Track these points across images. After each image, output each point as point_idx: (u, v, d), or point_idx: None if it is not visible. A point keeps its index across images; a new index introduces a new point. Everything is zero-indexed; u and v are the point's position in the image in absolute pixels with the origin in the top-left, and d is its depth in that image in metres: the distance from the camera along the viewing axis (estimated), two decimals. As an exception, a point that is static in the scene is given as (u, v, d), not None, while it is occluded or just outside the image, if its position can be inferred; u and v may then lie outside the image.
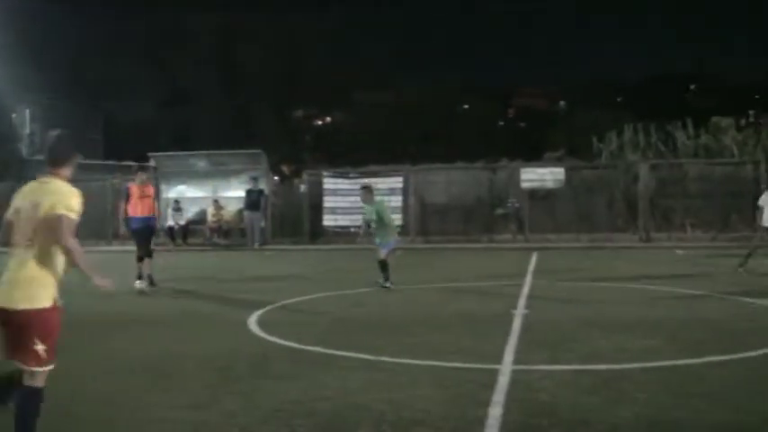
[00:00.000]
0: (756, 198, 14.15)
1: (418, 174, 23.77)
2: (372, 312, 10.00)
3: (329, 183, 24.27)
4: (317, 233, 23.93)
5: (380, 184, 23.88)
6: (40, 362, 4.22)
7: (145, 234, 12.60)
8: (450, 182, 23.72)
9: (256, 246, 22.54)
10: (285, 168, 40.05)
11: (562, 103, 70.24)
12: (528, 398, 5.63)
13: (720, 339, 7.67)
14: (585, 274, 13.78)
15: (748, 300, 10.26)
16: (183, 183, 25.43)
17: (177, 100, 48.33)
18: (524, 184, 22.01)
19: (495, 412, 5.19)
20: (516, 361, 6.78)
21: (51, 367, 4.28)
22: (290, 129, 54.26)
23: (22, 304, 4.17)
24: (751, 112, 31.16)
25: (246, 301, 10.83)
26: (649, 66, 55.04)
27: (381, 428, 5.04)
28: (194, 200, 25.21)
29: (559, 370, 6.48)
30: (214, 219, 24.36)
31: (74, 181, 4.54)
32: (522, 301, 10.43)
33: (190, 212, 24.88)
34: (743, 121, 29.58)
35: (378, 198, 13.50)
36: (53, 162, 4.48)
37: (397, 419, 5.18)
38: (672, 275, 13.27)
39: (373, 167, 24.75)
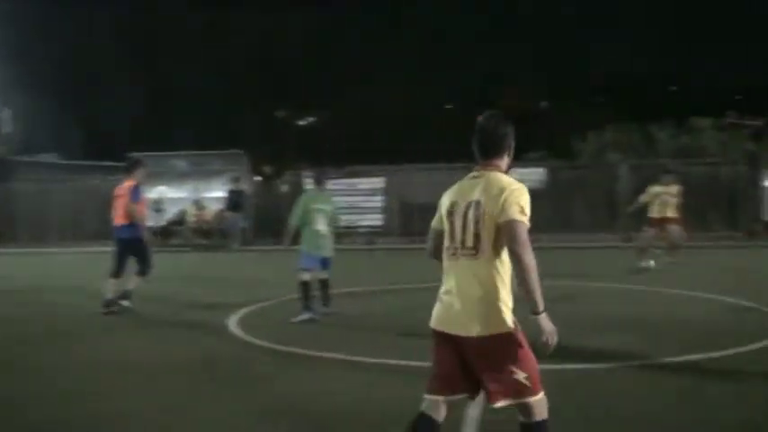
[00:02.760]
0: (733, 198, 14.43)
1: (400, 174, 23.80)
2: (351, 313, 9.99)
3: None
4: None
5: (362, 184, 23.95)
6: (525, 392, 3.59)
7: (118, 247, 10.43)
8: (432, 182, 23.72)
9: (237, 246, 22.47)
10: (266, 169, 39.96)
11: (544, 102, 70.55)
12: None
13: (696, 338, 7.74)
14: (566, 274, 13.84)
15: (728, 299, 10.37)
16: (163, 183, 25.33)
17: (157, 99, 48.13)
18: (505, 185, 22.14)
19: (474, 413, 5.21)
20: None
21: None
22: (273, 128, 54.13)
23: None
24: (730, 112, 31.40)
25: (226, 302, 10.79)
26: (631, 66, 55.21)
27: (363, 428, 5.06)
28: (175, 200, 25.11)
29: (546, 369, 6.50)
30: (194, 219, 24.28)
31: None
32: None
33: (170, 213, 24.79)
34: (722, 122, 29.88)
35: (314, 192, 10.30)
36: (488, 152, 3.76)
37: (378, 419, 5.20)
38: (650, 275, 13.36)
39: (356, 168, 24.75)
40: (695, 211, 21.01)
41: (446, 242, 3.76)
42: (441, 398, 3.69)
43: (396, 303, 10.90)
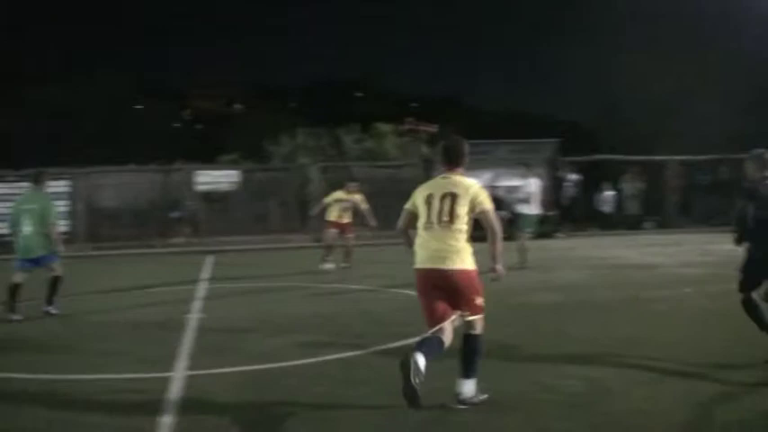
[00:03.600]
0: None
1: (87, 177, 22.47)
2: (43, 328, 9.21)
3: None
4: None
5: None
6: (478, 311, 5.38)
7: None
8: (121, 185, 22.77)
9: None
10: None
11: (238, 105, 70.75)
12: (202, 402, 5.65)
13: (382, 330, 8.28)
14: (260, 275, 14.06)
15: (407, 292, 11.20)
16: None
17: None
18: (199, 187, 21.86)
19: (168, 421, 5.14)
20: (190, 366, 6.76)
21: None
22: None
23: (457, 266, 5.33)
24: (409, 119, 33.86)
25: None
26: (321, 71, 57.57)
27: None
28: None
29: (236, 371, 6.57)
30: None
31: None
32: (196, 305, 10.38)
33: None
34: (401, 128, 32.12)
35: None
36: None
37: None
38: (342, 273, 13.96)
39: (41, 170, 22.82)
40: (380, 210, 22.43)
41: (422, 219, 5.50)
42: (439, 327, 5.25)
43: (87, 311, 10.30)
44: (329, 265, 13.84)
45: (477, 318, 5.35)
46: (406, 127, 31.74)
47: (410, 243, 5.61)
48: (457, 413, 5.22)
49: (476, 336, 5.35)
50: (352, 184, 14.24)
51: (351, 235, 14.31)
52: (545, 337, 7.74)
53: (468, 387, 5.30)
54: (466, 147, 5.71)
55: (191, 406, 5.53)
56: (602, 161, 24.07)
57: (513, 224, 13.45)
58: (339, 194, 14.22)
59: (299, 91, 63.82)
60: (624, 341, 7.46)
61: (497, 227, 5.42)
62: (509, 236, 14.89)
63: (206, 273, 14.39)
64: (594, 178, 23.48)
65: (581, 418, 5.10)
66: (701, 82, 31.71)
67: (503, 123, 41.19)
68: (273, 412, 5.40)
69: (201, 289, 12.12)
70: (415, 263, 5.49)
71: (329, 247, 14.08)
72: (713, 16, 33.29)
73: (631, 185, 23.69)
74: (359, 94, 61.03)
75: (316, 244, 17.51)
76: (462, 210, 5.38)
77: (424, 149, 25.49)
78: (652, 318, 8.89)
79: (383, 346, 7.34)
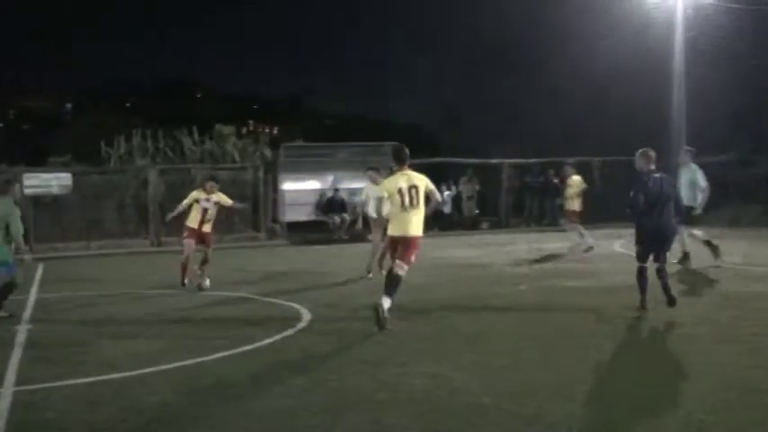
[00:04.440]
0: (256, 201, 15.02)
1: None
2: None
3: None
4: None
5: None
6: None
7: None
8: None
9: None
10: None
11: (68, 105, 67.36)
12: (33, 419, 5.34)
13: (227, 336, 8.14)
14: (96, 282, 13.45)
15: (262, 298, 11.08)
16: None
17: None
18: (27, 191, 20.58)
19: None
20: (19, 381, 6.37)
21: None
22: None
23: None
24: (250, 121, 33.54)
25: None
26: (157, 71, 55.65)
27: None
28: None
29: (69, 384, 6.25)
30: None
31: None
32: (26, 315, 9.80)
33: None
34: (243, 129, 31.74)
35: None
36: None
37: None
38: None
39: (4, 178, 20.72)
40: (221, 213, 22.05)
41: (398, 203, 8.44)
42: (395, 262, 8.41)
43: None
44: (206, 282, 12.25)
45: (406, 265, 8.32)
46: (249, 129, 31.39)
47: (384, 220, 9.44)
48: (299, 415, 5.23)
49: (400, 275, 8.29)
50: (210, 183, 12.99)
51: (210, 247, 12.57)
52: (390, 335, 7.87)
53: (387, 302, 8.09)
54: (408, 151, 8.72)
55: (19, 423, 5.22)
56: (441, 163, 24.78)
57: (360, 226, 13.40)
58: (197, 194, 12.59)
59: (135, 91, 61.57)
60: (465, 337, 7.73)
61: (440, 197, 9.36)
62: (353, 237, 14.75)
63: (37, 281, 13.56)
64: (434, 180, 24.20)
65: (420, 414, 5.23)
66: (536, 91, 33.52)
67: (344, 126, 41.57)
68: (113, 426, 5.18)
69: (32, 298, 11.41)
70: (391, 231, 8.65)
71: (186, 262, 12.46)
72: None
73: (469, 187, 24.58)
74: (198, 95, 59.69)
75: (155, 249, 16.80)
76: (422, 196, 8.57)
77: (266, 151, 25.27)
78: (490, 313, 9.26)
79: (227, 353, 7.22)
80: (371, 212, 12.55)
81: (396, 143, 8.33)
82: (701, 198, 12.42)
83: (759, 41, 25.16)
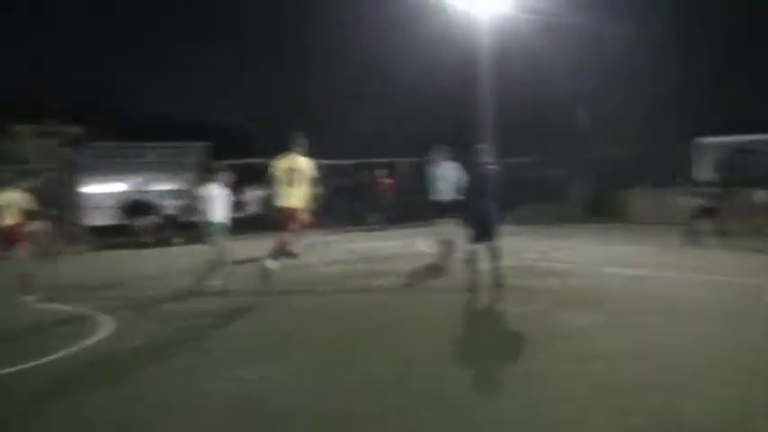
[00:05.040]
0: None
1: None
2: None
3: None
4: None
5: None
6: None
7: None
8: None
9: None
10: None
11: None
12: None
13: (13, 349, 7.65)
14: None
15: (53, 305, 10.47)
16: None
17: None
18: None
19: None
20: None
21: None
22: None
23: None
24: (49, 120, 31.59)
25: None
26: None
27: None
28: None
29: None
30: None
31: None
32: None
33: None
34: (41, 129, 29.94)
35: None
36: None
37: None
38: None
39: None
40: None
41: (284, 180, 10.73)
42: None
43: None
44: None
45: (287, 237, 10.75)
46: (46, 129, 29.63)
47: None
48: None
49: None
50: (23, 182, 11.80)
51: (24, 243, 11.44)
52: (203, 340, 7.73)
53: (272, 263, 10.60)
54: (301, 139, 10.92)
55: None
56: (251, 164, 24.51)
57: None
58: (6, 196, 11.38)
59: None
60: (280, 338, 7.75)
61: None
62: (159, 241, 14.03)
63: None
64: (246, 181, 23.88)
65: (242, 418, 5.20)
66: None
67: (151, 126, 40.11)
68: None
69: None
70: (282, 203, 10.73)
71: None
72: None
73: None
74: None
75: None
76: (304, 177, 10.72)
77: (68, 152, 23.93)
78: (299, 315, 9.30)
79: (21, 367, 6.79)
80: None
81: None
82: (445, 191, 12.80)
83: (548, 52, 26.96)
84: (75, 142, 25.92)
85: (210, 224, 11.43)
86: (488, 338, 7.63)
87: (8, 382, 6.40)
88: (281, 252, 10.90)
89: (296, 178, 10.74)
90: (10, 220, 11.37)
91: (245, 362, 6.75)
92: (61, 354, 7.26)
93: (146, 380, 6.29)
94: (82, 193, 21.29)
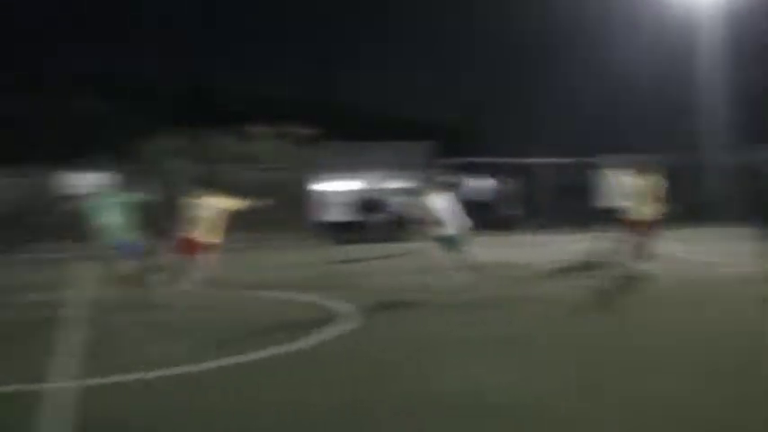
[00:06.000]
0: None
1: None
2: None
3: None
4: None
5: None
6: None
7: None
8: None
9: None
10: None
11: (101, 103, 67.44)
12: (97, 414, 5.33)
13: (266, 337, 8.04)
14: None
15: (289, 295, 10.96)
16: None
17: None
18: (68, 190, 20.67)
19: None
20: (79, 375, 6.42)
21: None
22: None
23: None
24: (284, 121, 33.48)
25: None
26: (180, 71, 55.30)
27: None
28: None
29: (130, 380, 6.27)
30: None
31: None
32: (75, 313, 9.81)
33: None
34: (277, 130, 31.72)
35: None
36: None
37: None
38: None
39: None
40: (255, 214, 21.93)
41: (637, 194, 11.69)
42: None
43: None
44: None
45: None
46: (283, 129, 31.41)
47: None
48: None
49: None
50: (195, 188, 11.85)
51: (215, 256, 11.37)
52: (445, 335, 7.79)
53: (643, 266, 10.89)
54: None
55: (83, 418, 5.21)
56: (474, 163, 24.53)
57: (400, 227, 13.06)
58: (205, 200, 11.37)
59: (165, 90, 61.52)
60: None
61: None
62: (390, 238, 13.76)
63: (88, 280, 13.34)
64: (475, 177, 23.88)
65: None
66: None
67: (372, 125, 41.34)
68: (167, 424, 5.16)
69: (85, 295, 11.36)
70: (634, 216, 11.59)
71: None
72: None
73: (508, 186, 24.19)
74: (228, 95, 59.66)
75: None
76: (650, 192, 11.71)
77: (303, 152, 25.21)
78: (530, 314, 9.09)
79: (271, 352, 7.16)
80: None
81: None
82: None
83: None
84: (309, 142, 27.28)
85: (444, 237, 10.99)
86: None
87: (272, 364, 6.76)
88: (640, 255, 11.66)
89: (645, 193, 11.68)
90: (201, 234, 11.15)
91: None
92: (309, 342, 7.57)
93: (403, 371, 6.37)
94: (318, 191, 22.39)
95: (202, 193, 11.40)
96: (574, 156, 24.63)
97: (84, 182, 21.07)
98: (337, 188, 22.74)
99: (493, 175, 24.83)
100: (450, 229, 11.02)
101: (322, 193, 22.44)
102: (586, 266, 13.65)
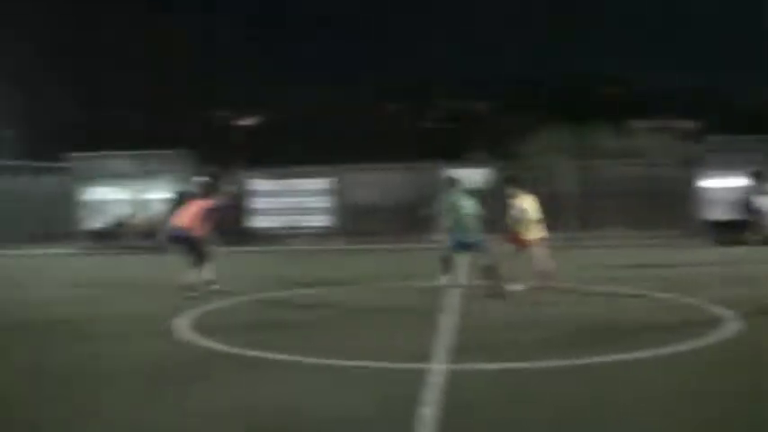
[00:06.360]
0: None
1: (345, 174, 23.69)
2: (300, 314, 9.89)
3: (257, 184, 24.14)
4: (246, 234, 23.56)
5: (308, 185, 23.87)
6: None
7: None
8: (377, 183, 23.65)
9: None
10: (213, 169, 39.23)
11: (483, 103, 70.67)
12: (458, 397, 5.57)
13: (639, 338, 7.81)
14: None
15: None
16: (103, 185, 24.63)
17: (95, 99, 46.74)
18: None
19: (427, 412, 5.13)
20: (445, 360, 6.74)
21: None
22: (214, 128, 53.20)
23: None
24: (664, 115, 32.10)
25: (172, 304, 10.45)
26: (561, 66, 55.40)
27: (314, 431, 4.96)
28: (115, 202, 24.51)
29: (494, 369, 6.48)
30: (134, 222, 23.92)
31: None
32: (451, 301, 10.40)
33: (110, 215, 24.31)
34: (658, 124, 30.59)
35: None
36: None
37: (328, 421, 5.14)
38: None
39: (301, 168, 24.46)
40: (636, 210, 21.36)
41: None
42: None
43: (348, 301, 10.77)
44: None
45: None
46: (662, 123, 30.19)
47: None
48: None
49: None
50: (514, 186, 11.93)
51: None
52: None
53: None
54: None
55: (447, 399, 5.49)
56: None
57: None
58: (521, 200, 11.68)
59: (543, 87, 62.30)
60: None
61: None
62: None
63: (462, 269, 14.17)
64: None
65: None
66: None
67: (755, 116, 37.50)
68: (525, 414, 5.24)
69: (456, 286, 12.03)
70: None
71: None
72: None
73: None
74: (611, 89, 58.64)
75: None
76: None
77: (684, 146, 23.97)
78: None
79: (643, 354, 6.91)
80: None
81: None
82: None
83: None
84: (692, 136, 25.83)
85: None
86: None
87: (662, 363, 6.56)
88: None
89: None
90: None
91: None
92: (686, 346, 7.19)
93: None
94: (704, 189, 21.22)
95: (519, 192, 11.62)
96: None
97: (468, 177, 22.27)
98: (723, 185, 21.19)
99: None
100: None
101: (707, 190, 21.10)
102: None
